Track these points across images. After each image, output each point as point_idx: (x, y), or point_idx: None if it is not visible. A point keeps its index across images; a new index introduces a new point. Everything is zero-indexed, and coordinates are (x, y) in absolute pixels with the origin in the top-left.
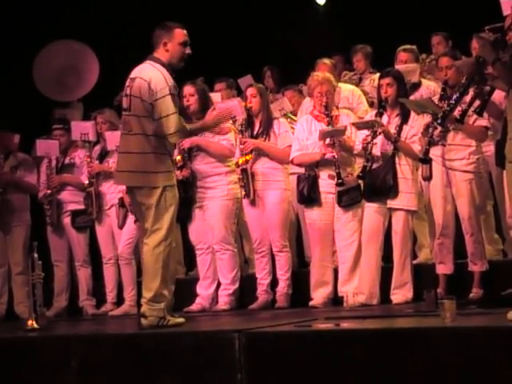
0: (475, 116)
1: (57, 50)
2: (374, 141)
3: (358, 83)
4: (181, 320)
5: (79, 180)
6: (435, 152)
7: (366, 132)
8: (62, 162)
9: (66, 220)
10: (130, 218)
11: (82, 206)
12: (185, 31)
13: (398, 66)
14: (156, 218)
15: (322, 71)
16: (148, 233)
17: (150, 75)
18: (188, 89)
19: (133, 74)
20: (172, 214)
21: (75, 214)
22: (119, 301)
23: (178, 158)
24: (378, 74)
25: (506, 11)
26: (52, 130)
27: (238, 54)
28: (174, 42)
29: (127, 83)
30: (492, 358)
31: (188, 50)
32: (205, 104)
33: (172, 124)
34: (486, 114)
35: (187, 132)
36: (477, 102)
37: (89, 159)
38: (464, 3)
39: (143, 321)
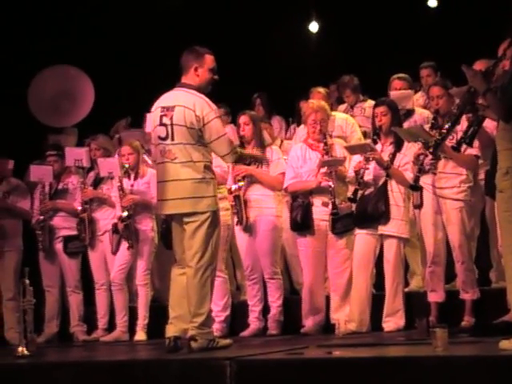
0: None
1: (52, 75)
2: (367, 166)
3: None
4: (229, 341)
5: (72, 206)
6: (426, 180)
7: (359, 159)
8: (55, 188)
9: (58, 246)
10: (124, 245)
11: (74, 232)
12: (213, 57)
13: (393, 93)
14: (203, 242)
15: (317, 99)
16: (192, 256)
17: (193, 102)
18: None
19: (167, 102)
20: (216, 238)
21: (67, 240)
22: (110, 327)
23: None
24: (368, 102)
25: None
26: (46, 155)
27: (231, 81)
28: (204, 67)
29: (160, 112)
30: None
31: (216, 76)
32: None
33: (225, 145)
34: (476, 143)
35: (239, 154)
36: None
37: (83, 185)
38: (452, 32)
39: (193, 344)
